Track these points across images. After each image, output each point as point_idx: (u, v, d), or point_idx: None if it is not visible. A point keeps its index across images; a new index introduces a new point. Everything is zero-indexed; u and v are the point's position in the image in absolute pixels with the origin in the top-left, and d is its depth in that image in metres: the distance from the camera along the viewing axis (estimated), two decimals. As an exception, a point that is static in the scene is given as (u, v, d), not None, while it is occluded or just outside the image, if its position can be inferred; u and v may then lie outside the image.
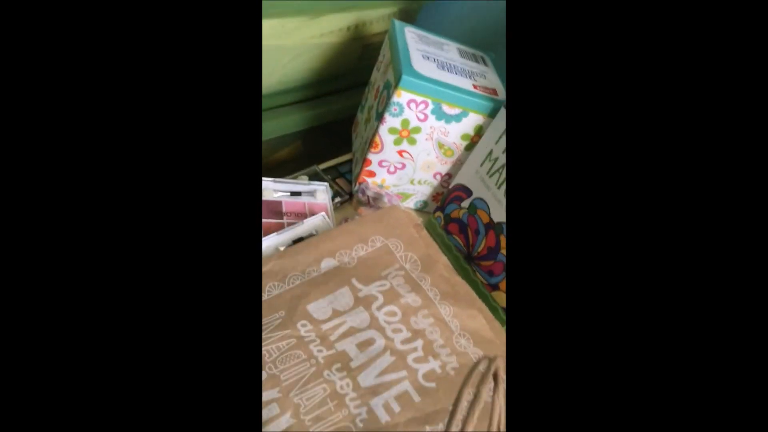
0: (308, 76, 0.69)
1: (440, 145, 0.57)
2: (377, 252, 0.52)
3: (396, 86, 0.51)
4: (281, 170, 0.64)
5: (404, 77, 0.50)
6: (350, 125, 0.74)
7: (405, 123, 0.54)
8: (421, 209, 0.66)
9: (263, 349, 0.41)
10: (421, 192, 0.63)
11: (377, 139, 0.56)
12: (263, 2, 0.53)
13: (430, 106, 0.52)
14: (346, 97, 0.76)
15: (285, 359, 0.41)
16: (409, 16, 0.76)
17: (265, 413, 0.37)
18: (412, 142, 0.56)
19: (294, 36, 0.61)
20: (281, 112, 0.69)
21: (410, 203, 0.65)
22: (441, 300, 0.51)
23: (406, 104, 0.52)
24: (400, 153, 0.57)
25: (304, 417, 0.38)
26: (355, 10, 0.66)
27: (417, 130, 0.55)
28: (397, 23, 0.60)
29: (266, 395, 0.38)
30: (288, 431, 0.37)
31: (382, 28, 0.73)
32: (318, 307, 0.45)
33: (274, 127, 0.69)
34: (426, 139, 0.56)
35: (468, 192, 0.56)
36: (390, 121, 0.54)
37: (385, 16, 0.72)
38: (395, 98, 0.52)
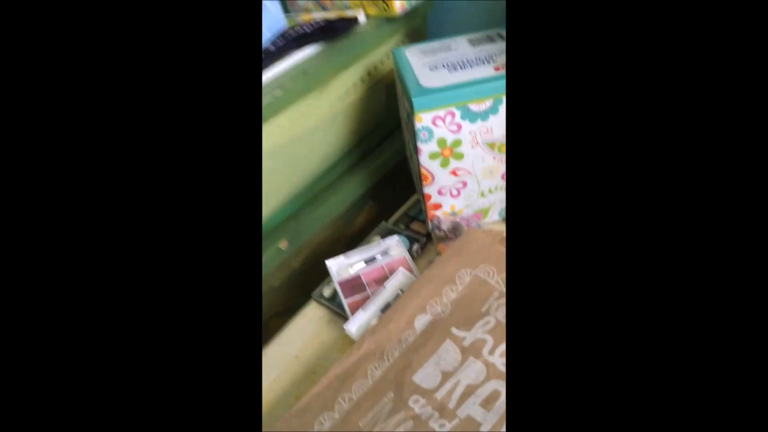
0: (346, 142, 0.69)
1: (491, 145, 0.50)
2: (469, 288, 0.46)
3: (413, 113, 0.47)
4: (365, 236, 0.63)
5: (414, 100, 0.46)
6: (407, 165, 0.71)
7: (442, 143, 0.49)
8: (510, 216, 0.59)
9: (381, 443, 0.37)
10: (498, 200, 0.56)
11: (423, 171, 0.52)
12: (273, 101, 0.55)
13: (458, 113, 0.47)
14: (392, 141, 0.74)
15: (408, 447, 0.37)
16: (417, 33, 0.73)
17: None
18: (459, 157, 0.50)
19: (314, 115, 0.62)
20: (337, 187, 0.69)
21: (494, 216, 0.58)
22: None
23: (432, 124, 0.47)
24: (453, 173, 0.52)
25: None
26: (360, 59, 0.65)
27: (457, 143, 0.49)
28: (397, 51, 0.57)
29: (399, 496, 0.34)
30: None
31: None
32: (425, 375, 0.41)
33: (337, 202, 0.69)
34: (472, 147, 0.50)
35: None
36: (425, 148, 0.49)
37: (393, 48, 0.69)
38: (418, 124, 0.47)
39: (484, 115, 0.47)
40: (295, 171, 0.63)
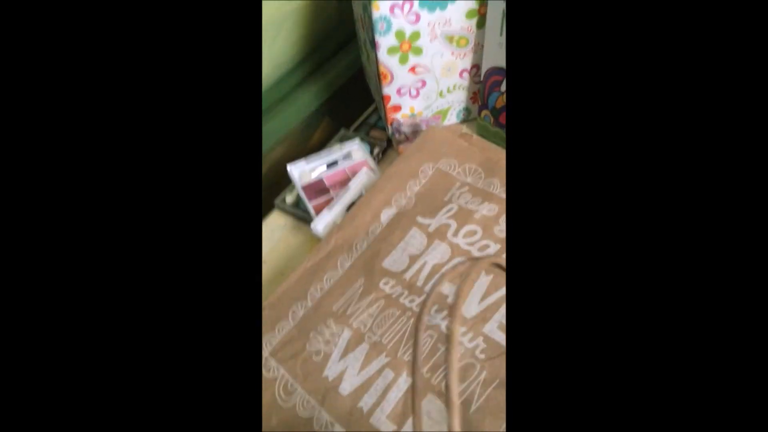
0: (298, 49, 0.66)
1: (449, 39, 0.49)
2: (432, 180, 0.47)
3: (370, 1, 0.45)
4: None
5: (372, -14, 0.44)
6: (364, 78, 0.69)
7: (400, 35, 0.48)
8: (467, 118, 0.59)
9: (356, 322, 0.39)
10: (457, 100, 0.56)
11: (382, 69, 0.50)
12: None
13: (416, 2, 0.45)
14: (346, 53, 0.71)
15: (380, 323, 0.38)
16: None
17: (381, 382, 0.35)
18: (418, 51, 0.49)
19: (263, 12, 0.58)
20: (291, 99, 0.66)
21: (452, 118, 0.58)
22: (521, 197, 0.44)
23: (390, 13, 0.46)
24: (412, 70, 0.51)
25: (422, 370, 0.35)
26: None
27: (416, 36, 0.48)
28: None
29: (376, 364, 0.36)
30: (412, 389, 0.34)
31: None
32: (394, 260, 0.42)
33: (291, 114, 0.66)
34: (431, 41, 0.49)
35: (502, 72, 0.48)
36: (383, 41, 0.48)
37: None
38: (375, 14, 0.46)
39: (443, 4, 0.46)
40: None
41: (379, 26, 0.47)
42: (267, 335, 0.40)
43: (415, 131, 0.56)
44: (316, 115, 0.71)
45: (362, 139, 0.58)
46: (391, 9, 0.45)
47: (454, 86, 0.54)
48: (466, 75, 0.53)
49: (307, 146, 0.74)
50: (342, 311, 0.40)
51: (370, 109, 0.65)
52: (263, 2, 0.56)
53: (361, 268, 0.43)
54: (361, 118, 0.64)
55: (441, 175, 0.47)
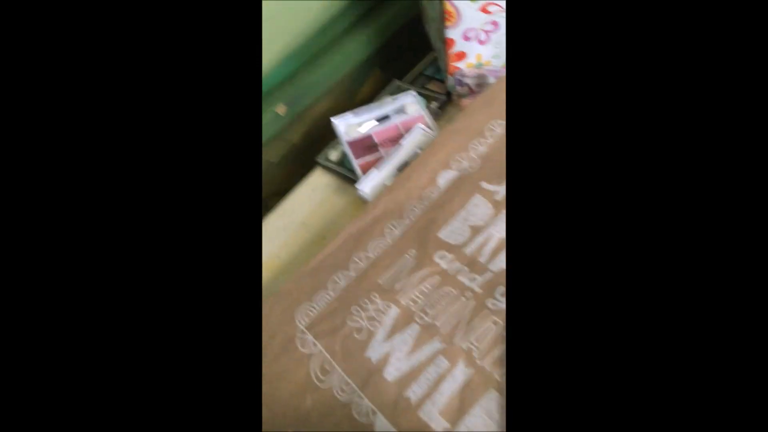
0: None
1: (532, -29, 0.41)
2: (502, 140, 0.40)
3: None
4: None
5: None
6: (420, 24, 0.61)
7: (473, -35, 0.40)
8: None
9: (405, 299, 0.34)
10: (532, 48, 0.48)
11: (448, 7, 0.43)
12: None
13: None
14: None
15: (434, 302, 0.33)
16: None
17: (434, 370, 0.30)
18: (493, -15, 0.42)
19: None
20: (339, 45, 0.60)
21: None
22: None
23: (464, -64, 0.38)
24: (484, 9, 0.43)
25: (482, 362, 0.30)
26: None
27: (492, -35, 0.40)
28: None
29: (428, 349, 0.31)
30: (470, 383, 0.29)
31: None
32: (452, 231, 0.36)
33: (339, 63, 0.60)
34: (510, -27, 0.41)
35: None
36: (453, -28, 0.40)
37: None
38: (446, -64, 0.38)
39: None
40: (290, 20, 0.54)
41: (450, -49, 0.39)
42: (303, 305, 0.36)
43: (481, 84, 0.48)
44: (366, 65, 0.64)
45: (418, 92, 0.51)
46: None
47: (531, 31, 0.46)
48: (546, 17, 0.45)
49: (354, 100, 0.68)
50: (389, 285, 0.35)
51: (428, 58, 0.58)
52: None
53: (413, 238, 0.37)
54: (417, 69, 0.57)
55: (512, 135, 0.40)
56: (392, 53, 0.66)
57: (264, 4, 0.49)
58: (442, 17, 0.44)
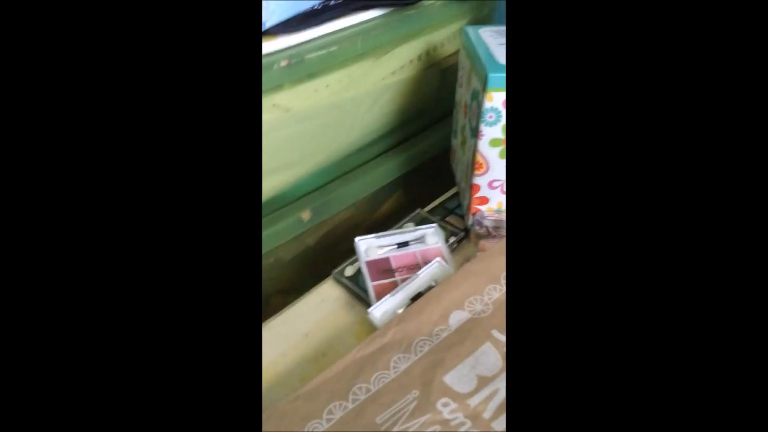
0: (391, 120, 0.65)
1: (559, 142, 0.45)
2: (516, 291, 0.41)
3: (485, 90, 0.43)
4: (388, 225, 0.59)
5: (491, 75, 0.42)
6: (447, 158, 0.66)
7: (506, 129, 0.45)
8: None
9: (402, 445, 0.32)
10: (551, 205, 0.51)
11: (479, 158, 0.47)
12: (326, 56, 0.51)
13: (533, 99, 0.42)
14: (435, 131, 0.69)
15: (432, 455, 0.31)
16: (483, 21, 0.69)
17: None
18: (523, 148, 0.46)
19: (364, 82, 0.57)
20: (372, 165, 0.64)
21: (541, 223, 0.53)
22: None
23: (503, 106, 0.43)
24: (511, 166, 0.47)
25: None
26: (422, 36, 0.61)
27: (524, 132, 0.45)
28: (470, 28, 0.53)
29: None
30: None
31: (455, 47, 0.66)
32: (459, 377, 0.36)
33: (369, 181, 0.64)
34: (539, 140, 0.45)
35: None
36: (488, 132, 0.45)
37: (456, 33, 0.65)
38: (487, 104, 0.43)
39: (561, 106, 0.43)
40: (332, 139, 0.58)
41: (488, 116, 0.44)
42: (294, 433, 0.34)
43: (498, 227, 0.51)
44: (391, 185, 0.69)
45: (438, 224, 0.53)
46: (504, 103, 0.43)
47: (552, 190, 0.50)
48: (567, 181, 0.49)
49: (373, 215, 0.71)
50: (387, 427, 0.33)
51: (450, 192, 0.61)
52: (363, 76, 0.56)
53: (417, 376, 0.36)
54: (440, 200, 0.60)
55: (526, 287, 0.41)
56: (417, 179, 0.70)
57: (311, 123, 0.54)
58: (473, 165, 0.48)
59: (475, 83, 0.46)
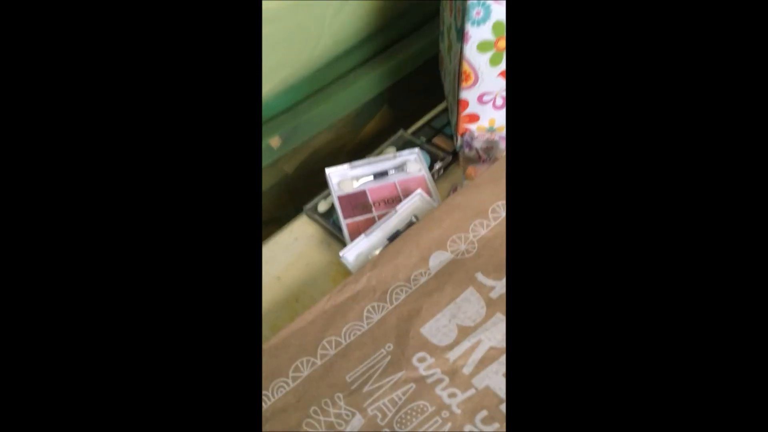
0: (369, 22, 0.55)
1: (563, 43, 0.37)
2: (504, 225, 0.36)
3: (469, -23, 0.33)
4: (375, 145, 0.52)
5: (476, -44, 0.32)
6: (436, 66, 0.58)
7: (498, 28, 0.36)
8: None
9: (373, 407, 0.29)
10: (552, 120, 0.44)
11: (466, 67, 0.39)
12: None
13: (531, -13, 0.34)
14: (421, 35, 0.59)
15: (406, 417, 0.29)
16: None
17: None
18: (518, 52, 0.38)
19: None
20: (348, 80, 0.56)
21: (540, 141, 0.47)
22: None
23: (493, -1, 0.34)
24: (503, 74, 0.40)
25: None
26: None
27: (520, 32, 0.36)
28: None
29: (389, 476, 0.27)
30: None
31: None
32: (437, 328, 0.32)
33: (346, 99, 0.56)
34: (538, 41, 0.37)
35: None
36: (476, 33, 0.37)
37: None
38: (473, -4, 0.34)
39: None
40: (297, 49, 0.50)
41: (475, 13, 0.35)
42: (259, 392, 0.32)
43: (490, 149, 0.44)
44: (374, 102, 0.61)
45: (422, 146, 0.47)
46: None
47: (553, 103, 0.42)
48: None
49: (357, 136, 0.64)
50: (358, 386, 0.30)
51: (439, 108, 0.54)
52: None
53: (392, 328, 0.33)
54: (426, 118, 0.53)
55: (518, 222, 0.36)
56: (403, 94, 0.62)
57: (268, 30, 0.45)
58: (459, 76, 0.41)
59: (460, -31, 0.36)
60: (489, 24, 0.36)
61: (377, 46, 0.57)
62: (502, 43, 0.37)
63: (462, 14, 0.37)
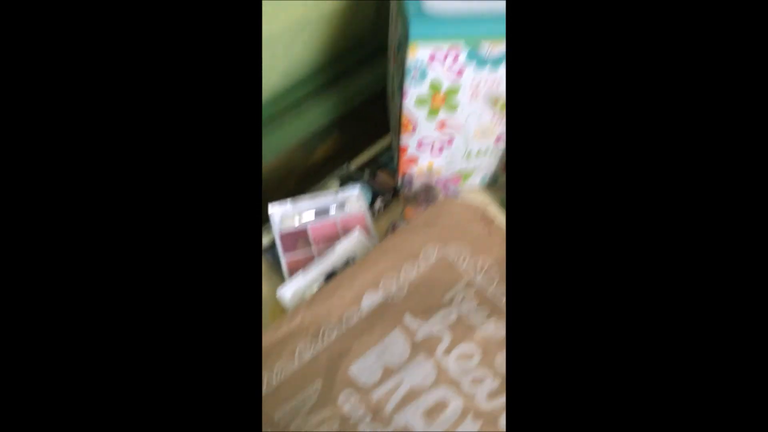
0: (321, 55, 0.57)
1: (494, 101, 0.40)
2: (434, 269, 0.39)
3: (407, 42, 0.36)
4: (324, 171, 0.54)
5: (412, 25, 0.35)
6: (386, 97, 0.60)
7: (435, 87, 0.39)
8: (492, 184, 0.51)
9: (298, 444, 0.31)
10: (485, 165, 0.48)
11: (405, 118, 0.42)
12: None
13: (464, 54, 0.37)
14: (372, 67, 0.62)
15: (328, 454, 0.31)
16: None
17: None
18: (452, 108, 0.41)
19: (283, 14, 0.49)
20: (303, 109, 0.58)
21: (475, 182, 0.50)
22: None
23: (428, 61, 0.37)
24: (440, 126, 0.43)
25: None
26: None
27: (454, 91, 0.39)
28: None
29: None
30: None
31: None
32: (364, 367, 0.34)
33: (298, 127, 0.58)
34: (471, 99, 0.40)
35: (546, 157, 0.40)
36: (413, 91, 0.39)
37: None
38: (410, 59, 0.37)
39: (496, 62, 0.37)
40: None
41: (412, 73, 0.38)
42: None
43: (429, 189, 0.47)
44: (325, 130, 0.62)
45: (366, 182, 0.49)
46: (431, 57, 0.37)
47: (486, 151, 0.46)
48: (502, 141, 0.45)
49: (307, 162, 0.65)
50: (285, 423, 0.32)
51: (384, 141, 0.56)
52: (284, 3, 0.47)
53: (322, 367, 0.35)
54: (371, 151, 0.55)
55: (445, 266, 0.39)
56: (354, 123, 0.64)
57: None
58: (399, 124, 0.43)
59: (399, 30, 0.39)
60: (426, 83, 0.39)
61: (329, 77, 0.59)
62: (438, 100, 0.40)
63: (401, 72, 0.39)
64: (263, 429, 0.32)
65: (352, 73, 0.61)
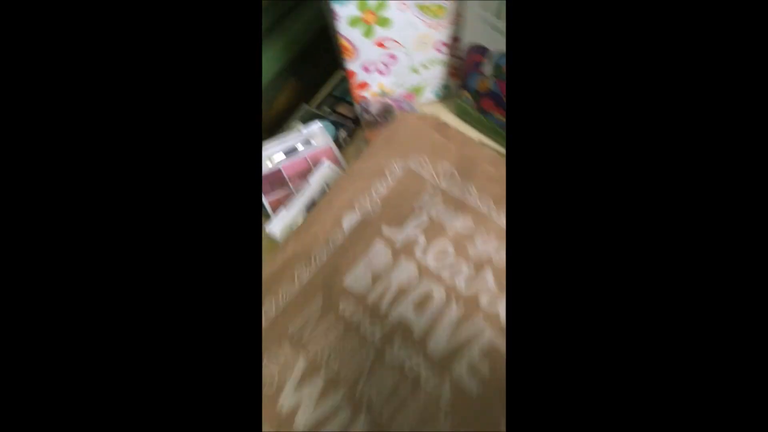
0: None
1: (423, 9, 0.41)
2: (401, 182, 0.42)
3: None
4: (287, 118, 0.55)
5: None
6: (329, 32, 0.60)
7: (362, 4, 0.40)
8: (446, 96, 0.52)
9: (312, 350, 0.36)
10: (433, 76, 0.49)
11: (344, 42, 0.43)
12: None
13: (382, -35, 0.37)
14: (311, 1, 0.61)
15: (338, 354, 0.35)
16: None
17: (338, 424, 0.33)
18: (385, 23, 0.42)
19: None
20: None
21: (429, 95, 0.52)
22: (498, 207, 0.39)
23: (351, -20, 0.38)
24: (379, 44, 0.44)
25: (382, 413, 0.33)
26: None
27: (382, 5, 0.40)
28: None
29: (331, 401, 0.34)
30: None
31: None
32: (356, 278, 0.38)
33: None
34: (400, 10, 0.41)
35: (483, 50, 0.41)
36: (343, 11, 0.40)
37: None
38: (333, -21, 0.37)
39: (415, -32, 0.38)
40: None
41: (338, -6, 0.38)
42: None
43: (387, 111, 0.49)
44: (280, 77, 0.63)
45: (327, 118, 0.51)
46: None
47: (431, 61, 0.47)
48: (444, 48, 0.46)
49: (269, 113, 0.66)
50: (299, 335, 0.37)
51: (338, 76, 0.57)
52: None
53: (320, 285, 0.39)
54: (327, 88, 0.56)
55: (411, 176, 0.42)
56: (306, 62, 0.64)
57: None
58: (340, 50, 0.44)
59: (318, -47, 0.39)
60: (353, 1, 0.39)
61: (268, 21, 0.59)
62: (370, 17, 0.41)
63: (329, -4, 0.40)
64: (280, 342, 0.36)
65: (291, 12, 0.60)
